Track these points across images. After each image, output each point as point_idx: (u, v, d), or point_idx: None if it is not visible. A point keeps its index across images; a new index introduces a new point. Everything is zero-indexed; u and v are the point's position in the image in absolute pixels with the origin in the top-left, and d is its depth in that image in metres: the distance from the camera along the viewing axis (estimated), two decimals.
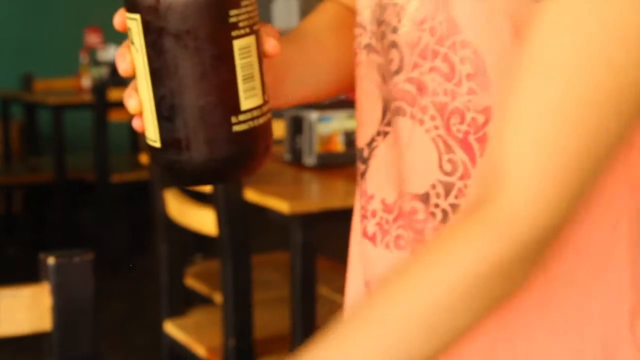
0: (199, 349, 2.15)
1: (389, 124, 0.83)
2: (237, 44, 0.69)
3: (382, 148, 0.84)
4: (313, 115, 2.27)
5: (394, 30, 0.80)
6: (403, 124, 0.80)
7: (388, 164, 0.83)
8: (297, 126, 2.33)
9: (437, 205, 0.79)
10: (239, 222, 1.96)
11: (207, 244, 3.18)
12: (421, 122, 0.79)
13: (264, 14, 6.32)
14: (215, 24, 0.68)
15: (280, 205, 1.92)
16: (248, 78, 0.70)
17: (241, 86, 0.70)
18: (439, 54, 0.77)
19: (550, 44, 0.66)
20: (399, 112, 0.80)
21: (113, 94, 4.20)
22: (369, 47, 0.84)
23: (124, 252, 4.34)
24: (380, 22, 0.82)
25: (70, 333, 1.05)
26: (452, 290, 0.65)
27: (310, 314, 1.99)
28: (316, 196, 2.22)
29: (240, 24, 0.69)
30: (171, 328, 2.27)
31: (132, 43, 0.70)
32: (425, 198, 0.79)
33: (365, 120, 0.86)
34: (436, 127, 0.78)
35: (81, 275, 1.07)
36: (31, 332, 1.06)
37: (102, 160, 4.18)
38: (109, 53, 4.60)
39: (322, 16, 0.95)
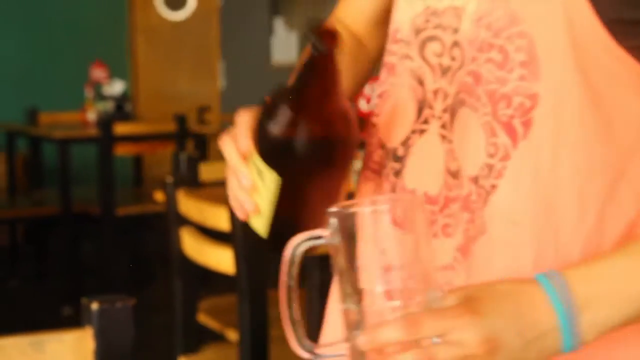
0: None
1: (425, 121, 0.92)
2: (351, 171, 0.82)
3: (421, 144, 0.92)
4: None
5: (455, 31, 0.89)
6: (464, 113, 0.88)
7: (429, 158, 0.91)
8: None
9: (482, 187, 0.86)
10: (256, 260, 1.98)
11: (209, 279, 3.19)
12: (476, 109, 0.87)
13: (264, 48, 6.38)
14: (339, 164, 0.85)
15: None
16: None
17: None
18: (495, 46, 0.86)
19: None
20: (462, 103, 0.88)
21: (118, 128, 4.23)
22: (405, 57, 0.94)
23: (127, 285, 4.35)
24: (436, 27, 0.91)
25: None
26: None
27: None
28: None
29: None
30: None
31: (257, 167, 0.85)
32: (476, 180, 0.87)
33: (398, 122, 0.94)
34: (485, 114, 0.86)
35: (123, 320, 1.10)
36: None
37: (107, 193, 4.20)
38: (114, 88, 4.65)
39: None
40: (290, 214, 0.88)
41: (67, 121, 4.87)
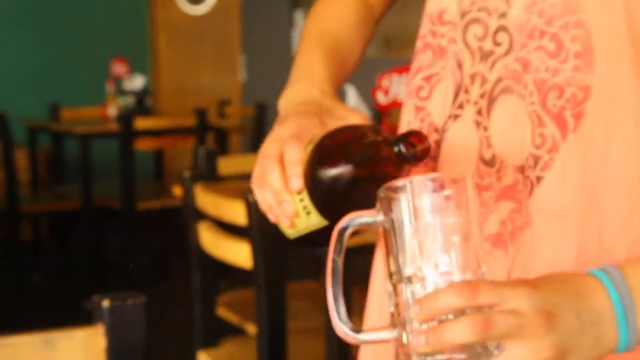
0: None
1: (460, 106, 0.90)
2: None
3: (454, 130, 0.91)
4: None
5: (503, 15, 0.87)
6: (510, 101, 0.86)
7: (462, 144, 0.89)
8: None
9: (527, 177, 0.85)
10: (274, 254, 1.98)
11: (229, 273, 3.20)
12: (523, 97, 0.85)
13: (284, 41, 6.37)
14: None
15: None
16: None
17: None
18: (547, 34, 0.84)
19: None
20: (507, 90, 0.86)
21: (138, 123, 4.25)
22: (452, 40, 0.92)
23: (149, 279, 4.37)
24: (480, 9, 0.89)
25: None
26: None
27: (345, 344, 2.01)
28: None
29: None
30: (205, 359, 2.29)
31: (302, 202, 0.86)
32: (521, 169, 0.85)
33: (434, 106, 0.93)
34: (532, 103, 0.84)
35: (134, 317, 1.09)
36: None
37: (128, 187, 4.22)
38: (134, 83, 4.66)
39: (347, 17, 1.07)
40: (326, 236, 0.87)
41: (88, 116, 4.89)
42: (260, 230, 1.95)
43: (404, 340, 0.70)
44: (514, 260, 0.87)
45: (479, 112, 0.89)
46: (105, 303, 1.08)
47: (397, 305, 0.71)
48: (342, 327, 0.72)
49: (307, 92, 0.95)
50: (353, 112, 0.91)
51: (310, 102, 0.93)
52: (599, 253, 0.83)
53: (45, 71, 5.66)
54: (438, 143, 0.93)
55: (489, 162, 0.88)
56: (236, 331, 2.52)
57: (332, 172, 0.83)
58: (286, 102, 0.96)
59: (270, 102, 3.51)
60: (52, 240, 5.26)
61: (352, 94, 2.81)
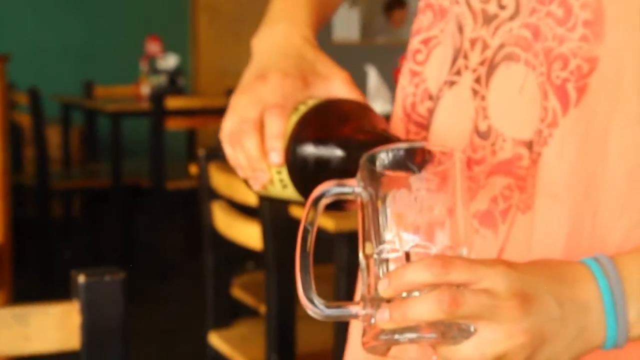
0: None
1: (457, 72, 0.84)
2: None
3: (449, 98, 0.85)
4: None
5: None
6: (515, 70, 0.80)
7: (456, 114, 0.83)
8: None
9: (534, 153, 0.78)
10: (284, 237, 1.94)
11: (258, 255, 3.18)
12: (534, 67, 0.79)
13: (326, 26, 6.32)
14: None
15: (326, 222, 1.89)
16: None
17: None
18: None
19: None
20: (511, 57, 0.80)
21: (170, 102, 4.23)
22: (454, 1, 0.85)
23: (176, 259, 4.37)
24: None
25: (98, 353, 1.04)
26: None
27: None
28: None
29: None
30: (216, 340, 2.27)
31: (280, 175, 0.81)
32: (530, 145, 0.79)
33: (430, 72, 0.87)
34: (542, 74, 0.78)
35: (111, 294, 1.06)
36: (61, 350, 1.05)
37: (158, 167, 4.21)
38: (167, 62, 4.65)
39: None
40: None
41: (121, 94, 4.90)
42: (271, 211, 1.92)
43: (372, 319, 0.66)
44: (506, 242, 0.81)
45: (477, 80, 0.83)
46: (81, 278, 1.05)
47: (368, 282, 0.67)
48: (307, 299, 0.68)
49: (287, 39, 0.88)
50: (337, 70, 0.84)
51: (292, 55, 0.86)
52: (590, 239, 0.77)
53: (81, 49, 5.67)
54: (431, 111, 0.87)
55: (484, 134, 0.82)
56: (252, 313, 2.50)
57: (316, 153, 0.78)
58: (264, 46, 0.89)
59: None
60: (84, 218, 5.28)
61: (373, 75, 2.76)
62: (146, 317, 3.78)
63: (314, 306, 0.68)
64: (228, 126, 0.83)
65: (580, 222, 0.77)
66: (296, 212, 2.01)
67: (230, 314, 2.35)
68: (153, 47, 4.71)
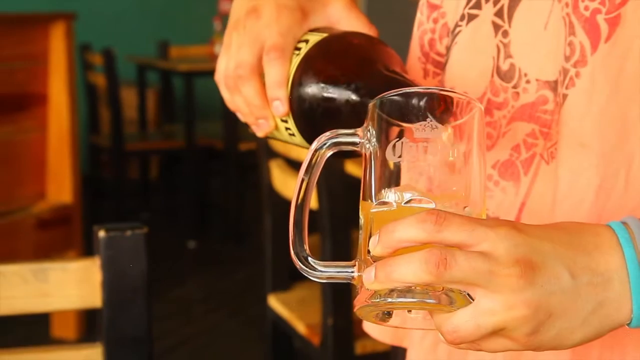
0: (300, 326, 2.09)
1: (478, 5, 0.75)
2: None
3: (468, 33, 0.76)
4: None
5: None
6: (539, 2, 0.71)
7: (475, 51, 0.75)
8: None
9: (559, 95, 0.69)
10: (339, 195, 1.88)
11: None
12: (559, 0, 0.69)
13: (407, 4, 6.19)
14: None
15: None
16: None
17: None
18: None
19: None
20: None
21: None
22: None
23: (249, 221, 4.36)
24: None
25: (120, 311, 1.00)
26: None
27: None
28: None
29: None
30: (275, 303, 2.22)
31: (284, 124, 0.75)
32: (554, 86, 0.70)
33: (449, 5, 0.78)
34: (567, 5, 0.68)
35: (133, 250, 1.01)
36: (82, 308, 1.01)
37: (231, 128, 4.18)
38: None
39: None
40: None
41: (195, 55, 4.88)
42: (326, 170, 1.85)
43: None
44: (528, 195, 0.71)
45: (499, 14, 0.73)
46: (102, 233, 1.00)
47: (364, 240, 0.60)
48: (297, 257, 0.62)
49: None
50: None
51: None
52: (623, 195, 0.66)
53: (157, 10, 5.68)
54: (448, 48, 0.78)
55: (506, 75, 0.72)
56: None
57: (323, 99, 0.70)
58: None
59: None
60: (160, 179, 5.32)
61: None
62: (219, 279, 3.78)
63: (306, 264, 0.62)
64: (222, 68, 0.75)
65: (612, 175, 0.67)
66: (352, 169, 1.94)
67: (290, 276, 2.30)
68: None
